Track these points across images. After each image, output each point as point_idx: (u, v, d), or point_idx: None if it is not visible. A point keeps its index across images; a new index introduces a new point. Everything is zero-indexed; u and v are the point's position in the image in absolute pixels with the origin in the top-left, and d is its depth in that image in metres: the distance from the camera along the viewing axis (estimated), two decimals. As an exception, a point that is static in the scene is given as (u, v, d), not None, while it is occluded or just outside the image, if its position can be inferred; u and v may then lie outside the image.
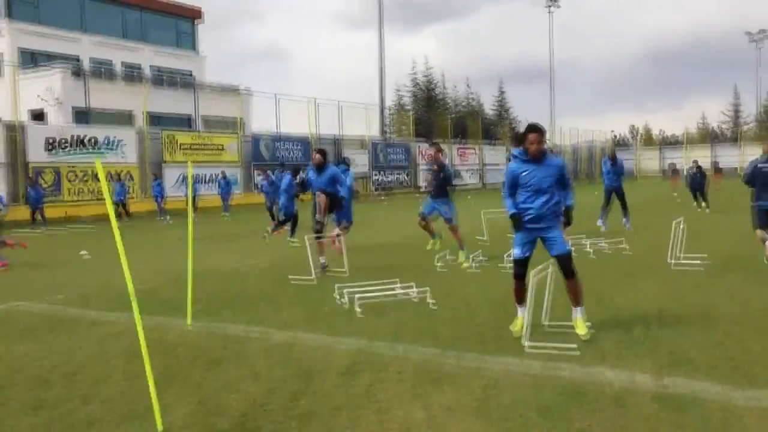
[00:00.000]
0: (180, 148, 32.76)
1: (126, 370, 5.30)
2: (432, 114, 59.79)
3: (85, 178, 28.08)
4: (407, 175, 48.50)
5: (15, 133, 26.20)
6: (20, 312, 7.87)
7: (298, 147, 40.02)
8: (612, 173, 15.76)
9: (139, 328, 4.22)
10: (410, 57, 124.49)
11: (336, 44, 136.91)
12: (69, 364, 5.50)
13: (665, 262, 9.80)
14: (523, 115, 79.81)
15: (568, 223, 6.11)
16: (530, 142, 5.85)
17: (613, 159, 16.00)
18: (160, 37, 44.69)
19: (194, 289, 7.18)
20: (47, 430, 4.05)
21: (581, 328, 5.78)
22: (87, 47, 39.77)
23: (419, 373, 4.93)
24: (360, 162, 43.07)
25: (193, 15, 47.00)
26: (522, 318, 5.91)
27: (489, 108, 73.19)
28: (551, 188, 5.89)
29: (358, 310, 7.11)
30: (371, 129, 48.19)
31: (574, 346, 5.43)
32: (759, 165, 9.30)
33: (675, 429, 3.76)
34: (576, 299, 5.89)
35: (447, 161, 11.64)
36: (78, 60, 38.71)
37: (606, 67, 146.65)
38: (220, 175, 29.79)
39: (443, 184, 11.16)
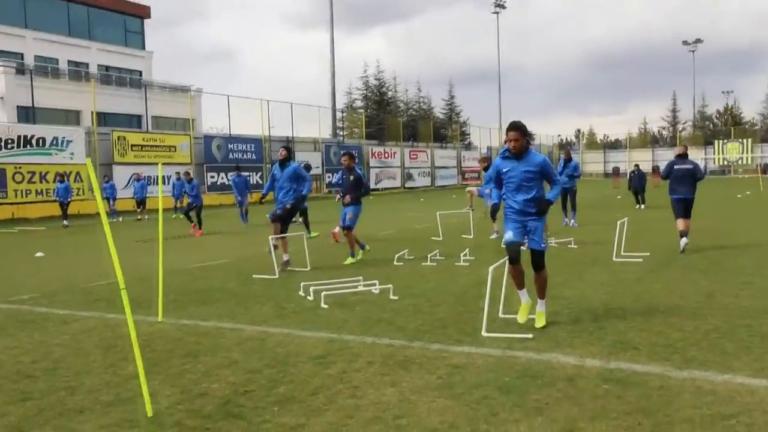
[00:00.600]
0: (131, 148, 32.35)
1: (105, 362, 5.50)
2: (383, 116, 60.29)
3: (32, 179, 27.49)
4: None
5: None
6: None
7: (251, 148, 39.96)
8: (565, 174, 16.48)
9: (130, 320, 4.45)
10: (359, 58, 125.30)
11: (282, 44, 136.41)
12: (48, 359, 5.66)
13: (609, 257, 10.44)
14: (472, 116, 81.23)
15: (538, 213, 6.27)
16: (509, 140, 6.18)
17: (568, 159, 16.73)
18: (107, 34, 43.92)
19: (164, 286, 7.38)
20: (38, 418, 4.24)
21: (540, 321, 6.19)
22: (31, 44, 38.88)
23: (388, 360, 5.29)
24: (312, 163, 43.23)
25: (142, 12, 46.31)
26: (525, 303, 6.26)
27: (439, 110, 74.27)
28: (532, 184, 6.19)
29: (324, 306, 7.43)
30: (323, 131, 48.41)
31: (530, 335, 5.88)
32: (674, 165, 11.38)
33: (620, 403, 4.22)
34: (542, 292, 6.31)
35: (359, 168, 11.90)
36: (21, 57, 37.73)
37: (552, 70, 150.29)
38: (174, 176, 29.53)
39: (356, 189, 11.19)
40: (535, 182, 6.21)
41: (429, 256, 10.99)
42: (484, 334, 5.94)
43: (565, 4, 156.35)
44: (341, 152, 11.96)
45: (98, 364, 5.47)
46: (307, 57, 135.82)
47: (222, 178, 37.32)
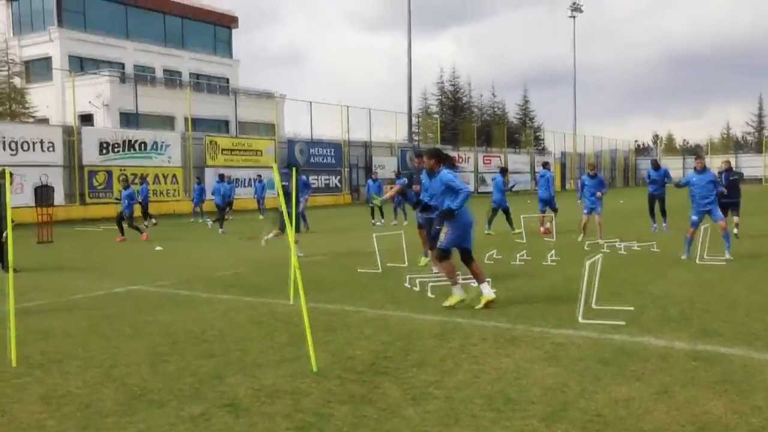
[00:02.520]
0: (221, 152, 34.30)
1: (260, 333, 6.61)
2: (458, 120, 60.96)
3: (134, 181, 29.65)
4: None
5: (72, 137, 27.84)
6: (141, 292, 9.24)
7: (331, 152, 41.42)
8: (655, 181, 17.10)
9: (302, 298, 5.50)
10: (429, 61, 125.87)
11: (350, 47, 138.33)
12: (212, 329, 6.82)
13: (693, 260, 10.98)
14: (544, 119, 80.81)
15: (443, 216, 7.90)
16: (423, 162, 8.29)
17: (656, 168, 17.27)
18: (198, 43, 46.42)
19: (278, 276, 8.50)
20: (228, 369, 5.35)
21: (484, 299, 7.55)
22: (131, 53, 41.58)
23: (498, 338, 6.19)
24: (388, 167, 44.36)
25: (230, 22, 48.69)
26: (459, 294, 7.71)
27: (513, 115, 74.27)
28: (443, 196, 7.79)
29: (431, 295, 8.39)
30: (398, 135, 49.51)
31: (623, 323, 6.65)
32: (693, 178, 11.72)
33: (707, 375, 4.97)
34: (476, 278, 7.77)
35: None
36: (122, 66, 40.50)
37: (626, 72, 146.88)
38: (257, 178, 31.14)
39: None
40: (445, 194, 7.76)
41: (517, 256, 11.79)
42: (580, 320, 6.75)
43: (641, 1, 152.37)
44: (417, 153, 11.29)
45: (255, 334, 6.58)
46: (374, 60, 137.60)
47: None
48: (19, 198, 22.36)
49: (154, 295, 9.03)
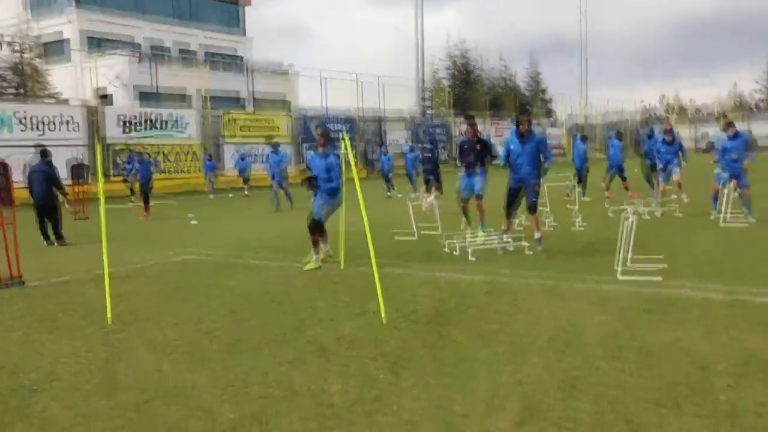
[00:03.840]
0: (239, 128, 34.71)
1: (322, 293, 7.13)
2: (468, 91, 61.01)
3: (156, 157, 30.18)
4: (446, 151, 50.02)
5: (94, 115, 28.32)
6: (195, 261, 9.78)
7: (345, 124, 41.73)
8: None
9: (375, 268, 6.00)
10: (436, 33, 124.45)
11: (357, 21, 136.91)
12: (277, 291, 7.35)
13: (716, 223, 11.42)
14: (555, 87, 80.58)
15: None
16: (520, 122, 9.13)
17: (651, 136, 16.47)
18: (210, 19, 46.60)
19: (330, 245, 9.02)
20: (306, 323, 5.87)
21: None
22: (145, 31, 41.85)
23: (546, 293, 6.69)
24: (401, 138, 44.67)
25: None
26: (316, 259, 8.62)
27: (521, 82, 73.96)
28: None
29: (471, 258, 8.89)
30: (410, 106, 49.71)
31: (659, 278, 7.13)
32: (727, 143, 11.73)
33: (746, 317, 5.46)
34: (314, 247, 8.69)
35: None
36: (136, 43, 40.80)
37: (634, 37, 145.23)
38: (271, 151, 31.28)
39: (481, 156, 10.67)
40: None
41: (546, 222, 12.24)
42: (619, 276, 7.24)
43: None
44: (462, 121, 11.88)
45: (318, 294, 7.11)
46: (380, 33, 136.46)
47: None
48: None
49: (209, 263, 9.57)
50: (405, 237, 11.24)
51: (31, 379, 4.65)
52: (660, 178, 14.33)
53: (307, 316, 6.13)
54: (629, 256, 7.88)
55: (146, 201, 17.94)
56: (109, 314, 6.15)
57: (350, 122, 41.96)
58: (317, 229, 8.86)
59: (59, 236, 12.45)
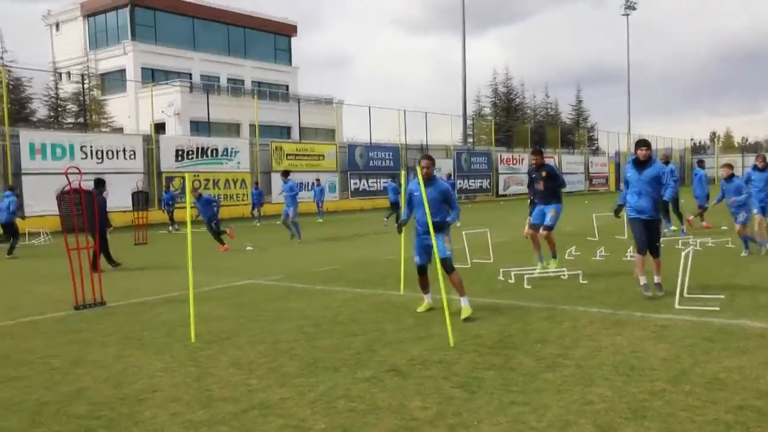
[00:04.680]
0: (286, 157, 35.58)
1: (385, 317, 7.47)
2: (511, 122, 61.26)
3: (207, 186, 31.14)
4: (488, 182, 50.22)
5: (150, 144, 29.45)
6: (259, 285, 10.24)
7: (389, 155, 42.35)
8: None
9: (443, 291, 6.33)
10: (474, 61, 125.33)
11: (396, 50, 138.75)
12: (342, 314, 7.71)
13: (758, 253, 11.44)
14: (596, 118, 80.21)
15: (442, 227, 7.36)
16: (422, 167, 7.30)
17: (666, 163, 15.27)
18: (260, 52, 48.06)
19: (372, 271, 9.36)
20: (375, 345, 6.20)
21: (466, 312, 7.22)
22: (197, 64, 43.40)
23: (604, 321, 6.91)
24: (444, 168, 45.06)
25: (289, 30, 50.20)
26: (427, 303, 7.87)
27: (566, 115, 73.98)
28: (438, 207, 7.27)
29: (527, 286, 9.14)
30: (453, 137, 50.18)
31: (717, 308, 7.28)
32: (753, 175, 12.04)
33: (806, 350, 5.61)
34: (460, 290, 7.43)
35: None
36: (190, 75, 42.32)
37: (678, 68, 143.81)
38: (315, 183, 32.09)
39: (553, 189, 10.22)
40: (442, 206, 7.37)
41: (597, 251, 12.42)
42: (676, 306, 7.41)
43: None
44: (532, 151, 10.69)
45: (383, 318, 7.45)
46: (418, 62, 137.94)
47: (363, 184, 40.01)
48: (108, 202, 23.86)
49: (273, 287, 10.01)
50: (458, 265, 11.50)
51: (134, 389, 5.07)
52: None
53: (376, 339, 6.46)
54: (685, 288, 8.04)
55: (217, 236, 16.46)
56: (192, 333, 6.59)
57: (393, 151, 42.56)
58: (452, 268, 7.52)
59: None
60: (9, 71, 31.29)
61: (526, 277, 9.43)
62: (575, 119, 74.01)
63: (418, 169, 7.32)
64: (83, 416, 4.52)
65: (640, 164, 8.29)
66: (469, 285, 9.40)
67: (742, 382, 4.79)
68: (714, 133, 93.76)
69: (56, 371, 5.67)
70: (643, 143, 8.40)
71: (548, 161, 10.96)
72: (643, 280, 8.26)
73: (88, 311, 8.41)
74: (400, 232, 8.07)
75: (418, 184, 7.22)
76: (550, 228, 10.05)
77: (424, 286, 7.88)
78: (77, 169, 8.36)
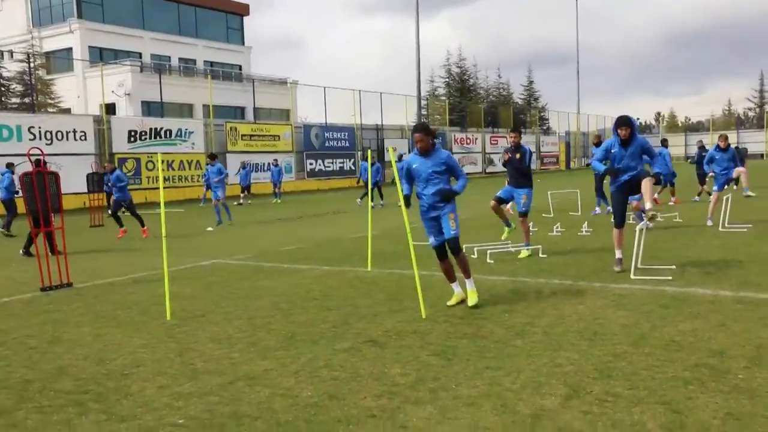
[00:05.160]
0: (241, 138, 35.25)
1: (358, 293, 7.66)
2: (465, 102, 61.80)
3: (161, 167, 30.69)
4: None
5: (102, 126, 28.81)
6: (226, 265, 10.29)
7: (345, 135, 42.36)
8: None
9: (415, 269, 6.54)
10: (427, 43, 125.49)
11: (349, 31, 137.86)
12: (314, 291, 7.87)
13: (715, 228, 12.03)
14: (548, 100, 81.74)
15: (443, 201, 6.74)
16: (416, 141, 6.68)
17: (598, 144, 15.87)
18: (212, 32, 47.20)
19: (337, 250, 9.52)
20: (351, 319, 6.39)
21: (473, 298, 6.68)
22: (148, 44, 42.43)
23: (566, 292, 7.25)
24: (400, 149, 45.29)
25: (242, 10, 49.40)
26: (457, 294, 6.89)
27: (518, 95, 75.04)
28: (438, 179, 6.65)
29: (490, 261, 9.45)
30: (408, 118, 50.38)
31: (670, 277, 7.70)
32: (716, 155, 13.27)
33: (754, 314, 6.02)
34: (466, 272, 6.79)
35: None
36: (140, 56, 41.34)
37: (626, 49, 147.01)
38: (272, 163, 31.91)
39: (526, 171, 10.20)
40: (442, 177, 6.69)
41: (554, 227, 12.84)
42: (632, 276, 7.81)
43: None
44: (511, 129, 10.31)
45: (354, 293, 7.64)
46: (370, 43, 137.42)
47: (319, 164, 39.98)
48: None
49: (240, 266, 10.09)
50: (420, 242, 11.76)
51: (117, 365, 5.15)
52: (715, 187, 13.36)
53: (350, 313, 6.65)
54: (639, 259, 8.46)
55: (117, 219, 15.17)
56: (168, 311, 6.66)
57: (349, 132, 42.55)
58: (459, 249, 6.84)
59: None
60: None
61: (488, 252, 9.73)
62: (527, 100, 75.10)
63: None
64: (71, 391, 4.59)
65: (623, 142, 8.22)
66: (434, 261, 9.69)
67: (696, 344, 5.16)
68: (659, 113, 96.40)
69: (34, 350, 5.69)
70: (623, 122, 8.24)
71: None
72: (618, 254, 8.43)
73: (55, 293, 8.36)
74: (408, 206, 6.78)
75: (417, 155, 6.75)
76: (525, 214, 10.11)
77: (449, 273, 6.94)
78: (40, 150, 8.25)
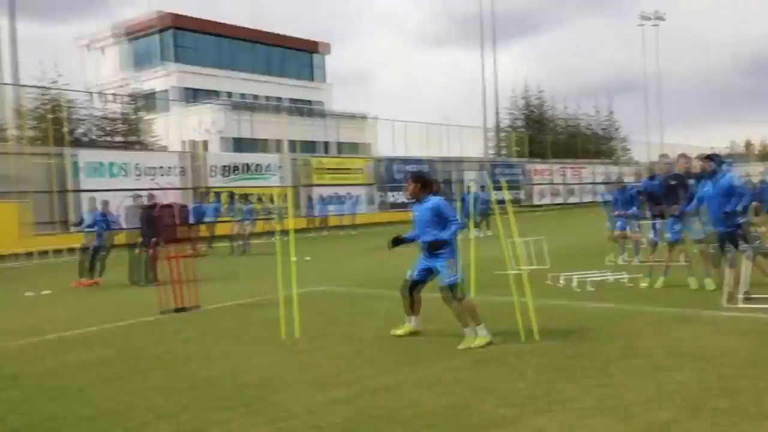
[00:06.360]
0: (323, 172, 36.33)
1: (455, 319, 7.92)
2: (541, 133, 61.45)
3: (251, 199, 32.00)
4: (522, 194, 50.40)
5: (197, 162, 30.43)
6: (330, 291, 10.79)
7: (422, 168, 42.87)
8: None
9: (528, 291, 6.79)
10: (502, 74, 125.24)
11: (419, 64, 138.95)
12: (444, 314, 8.11)
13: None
14: (628, 128, 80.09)
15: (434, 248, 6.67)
16: (404, 189, 7.20)
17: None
18: (295, 70, 49.23)
19: None
20: (459, 340, 6.67)
21: (467, 342, 6.44)
22: (236, 83, 44.63)
23: (673, 318, 7.30)
24: (478, 181, 45.42)
25: (324, 50, 51.32)
26: (408, 326, 7.07)
27: (596, 125, 73.82)
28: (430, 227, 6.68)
29: (590, 289, 9.54)
30: (483, 150, 50.63)
31: (766, 306, 7.62)
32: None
33: None
34: (462, 321, 6.65)
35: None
36: (228, 94, 43.52)
37: (701, 77, 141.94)
38: (348, 196, 32.73)
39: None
40: (431, 225, 6.68)
41: (649, 258, 12.74)
42: (723, 304, 7.76)
43: (718, 3, 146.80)
44: (660, 156, 10.13)
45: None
46: (441, 75, 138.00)
47: (395, 197, 40.64)
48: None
49: (346, 293, 10.55)
50: (505, 272, 11.92)
51: (252, 378, 5.63)
52: None
53: (460, 333, 6.91)
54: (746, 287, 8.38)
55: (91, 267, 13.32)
56: (296, 330, 7.16)
57: (426, 165, 43.08)
58: (453, 298, 6.71)
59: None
60: (60, 94, 32.59)
61: (589, 280, 9.83)
62: (606, 130, 73.88)
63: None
64: (221, 398, 5.07)
65: (708, 178, 8.32)
66: (534, 289, 9.86)
67: (816, 366, 5.17)
68: (733, 142, 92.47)
69: (178, 364, 6.25)
70: (705, 156, 8.52)
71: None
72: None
73: (174, 315, 9.02)
74: (390, 247, 7.16)
75: (416, 203, 6.94)
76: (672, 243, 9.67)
77: (411, 306, 7.11)
78: (170, 185, 8.98)
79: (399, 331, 7.09)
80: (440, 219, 6.70)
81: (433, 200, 6.83)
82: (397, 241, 7.10)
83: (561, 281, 10.37)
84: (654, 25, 70.56)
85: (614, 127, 74.15)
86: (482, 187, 29.51)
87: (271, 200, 32.37)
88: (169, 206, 9.93)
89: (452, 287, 6.58)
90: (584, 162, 58.82)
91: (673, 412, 4.29)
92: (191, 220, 22.73)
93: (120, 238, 14.52)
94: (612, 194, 13.61)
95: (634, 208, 12.53)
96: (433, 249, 6.68)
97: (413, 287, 7.05)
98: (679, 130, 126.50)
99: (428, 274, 6.90)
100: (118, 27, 45.51)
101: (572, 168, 56.39)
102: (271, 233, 29.26)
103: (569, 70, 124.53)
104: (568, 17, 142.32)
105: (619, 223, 12.94)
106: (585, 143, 62.36)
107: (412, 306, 7.13)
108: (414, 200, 6.98)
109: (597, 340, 6.40)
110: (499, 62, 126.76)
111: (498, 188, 48.78)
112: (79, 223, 13.18)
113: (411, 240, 7.02)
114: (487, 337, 6.49)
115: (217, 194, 29.93)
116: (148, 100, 40.91)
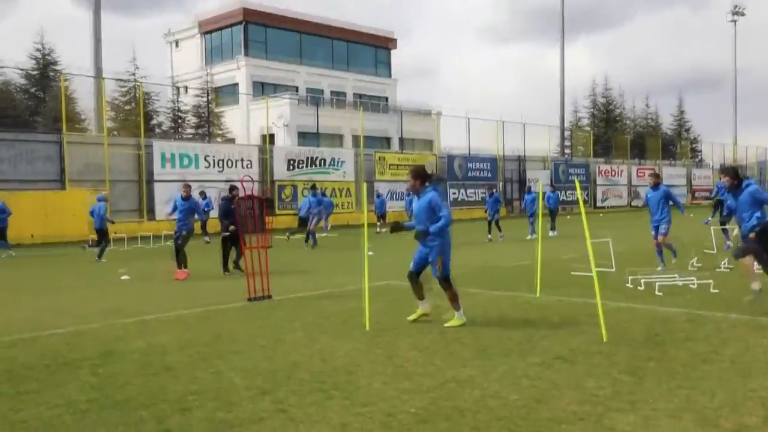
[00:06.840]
0: (389, 167, 36.75)
1: (534, 316, 8.15)
2: (610, 133, 60.25)
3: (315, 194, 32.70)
4: (587, 194, 49.65)
5: (265, 154, 31.31)
6: (399, 286, 11.11)
7: (487, 165, 42.80)
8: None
9: (597, 291, 6.98)
10: (568, 70, 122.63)
11: (484, 59, 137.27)
12: (492, 313, 8.46)
13: None
14: (699, 127, 77.55)
15: (417, 236, 7.64)
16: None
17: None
18: (361, 65, 49.78)
19: (500, 276, 9.94)
20: (533, 338, 6.90)
21: (454, 322, 7.57)
22: (303, 76, 45.54)
23: (747, 325, 7.32)
24: (542, 180, 45.01)
25: (390, 44, 51.68)
26: (421, 310, 7.89)
27: (667, 125, 71.81)
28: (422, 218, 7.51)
29: (659, 293, 9.58)
30: (550, 148, 49.99)
31: None
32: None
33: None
34: (455, 305, 7.67)
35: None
36: (296, 88, 44.45)
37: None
38: (406, 192, 32.66)
39: None
40: (426, 217, 7.51)
41: (721, 263, 12.59)
42: (816, 313, 7.71)
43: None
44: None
45: (530, 316, 8.14)
46: (505, 71, 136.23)
47: (462, 194, 40.65)
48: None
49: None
50: (581, 273, 12.02)
51: (339, 363, 6.01)
52: None
53: (532, 332, 7.15)
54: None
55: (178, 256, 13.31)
56: (367, 322, 7.52)
57: (491, 162, 42.97)
58: (448, 287, 7.72)
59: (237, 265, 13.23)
60: (141, 86, 34.02)
61: (657, 284, 9.86)
62: (677, 129, 71.78)
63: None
64: (310, 381, 5.47)
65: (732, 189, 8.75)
66: (602, 291, 9.97)
67: None
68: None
69: (265, 348, 6.70)
70: (724, 171, 9.11)
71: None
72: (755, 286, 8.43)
73: (260, 303, 9.55)
74: (391, 232, 8.28)
75: (415, 195, 7.88)
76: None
77: (417, 292, 7.91)
78: (250, 177, 9.49)
79: (412, 317, 7.90)
80: (433, 212, 7.49)
81: (429, 195, 7.60)
82: (398, 227, 8.07)
83: (628, 284, 10.41)
84: (732, 21, 68.12)
85: (685, 128, 72.09)
86: (553, 186, 29.24)
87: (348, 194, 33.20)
88: (258, 197, 10.39)
89: (442, 280, 7.61)
90: (651, 163, 57.41)
91: (747, 418, 4.43)
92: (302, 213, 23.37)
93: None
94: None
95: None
96: (424, 237, 7.54)
97: (413, 278, 7.86)
98: (758, 129, 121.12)
99: (424, 262, 7.76)
100: (194, 21, 47.09)
101: (638, 168, 55.17)
102: (337, 227, 30.05)
103: (644, 66, 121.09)
104: (639, 11, 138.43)
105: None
106: (654, 143, 60.76)
107: (418, 292, 7.91)
108: (414, 194, 7.87)
109: (674, 345, 6.52)
110: (571, 57, 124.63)
111: (566, 188, 48.44)
112: (173, 210, 13.68)
113: (410, 228, 7.91)
114: (462, 319, 7.59)
115: (281, 187, 30.78)
116: (219, 93, 42.28)
